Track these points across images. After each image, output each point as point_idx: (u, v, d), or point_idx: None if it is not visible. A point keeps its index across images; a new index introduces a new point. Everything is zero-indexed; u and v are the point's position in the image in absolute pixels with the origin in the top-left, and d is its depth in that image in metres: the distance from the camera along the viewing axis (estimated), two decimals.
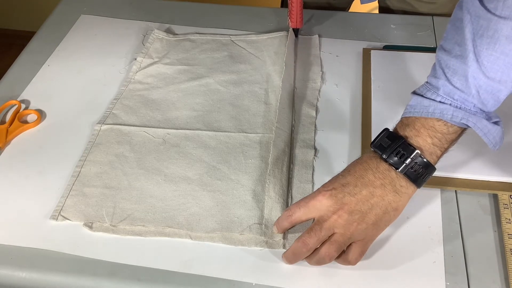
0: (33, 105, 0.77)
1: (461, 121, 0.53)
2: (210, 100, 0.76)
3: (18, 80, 0.81)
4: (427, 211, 0.61)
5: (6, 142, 0.71)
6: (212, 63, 0.83)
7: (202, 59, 0.84)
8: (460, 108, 0.54)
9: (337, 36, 0.88)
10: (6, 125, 0.72)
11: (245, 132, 0.71)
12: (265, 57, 0.83)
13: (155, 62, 0.83)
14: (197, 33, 0.89)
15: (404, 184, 0.54)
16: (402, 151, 0.53)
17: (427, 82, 0.57)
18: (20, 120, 0.74)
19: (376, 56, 0.82)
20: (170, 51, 0.85)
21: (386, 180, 0.54)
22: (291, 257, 0.56)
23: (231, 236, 0.59)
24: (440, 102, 0.54)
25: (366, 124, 0.72)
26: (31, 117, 0.75)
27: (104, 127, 0.72)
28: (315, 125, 0.73)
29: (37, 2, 1.99)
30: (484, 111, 0.55)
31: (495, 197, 0.63)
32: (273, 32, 0.88)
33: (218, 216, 0.61)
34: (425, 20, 0.91)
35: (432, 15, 0.92)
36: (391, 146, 0.54)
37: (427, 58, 0.82)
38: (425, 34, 0.88)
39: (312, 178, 0.66)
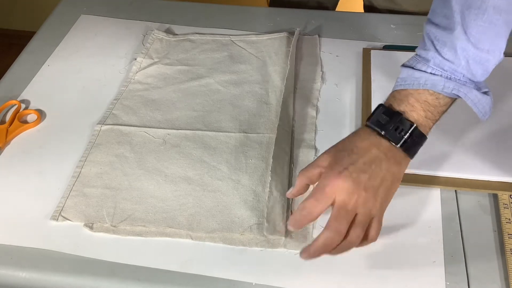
0: (33, 105, 0.77)
1: (452, 92, 0.55)
2: (210, 100, 0.76)
3: (18, 80, 0.81)
4: (427, 211, 0.62)
5: (6, 142, 0.71)
6: (212, 63, 0.83)
7: (202, 59, 0.84)
8: (450, 79, 0.55)
9: (337, 36, 0.88)
10: (6, 125, 0.72)
11: (246, 132, 0.71)
12: (265, 58, 0.83)
13: (155, 63, 0.83)
14: (197, 33, 0.89)
15: (403, 155, 0.56)
16: (400, 127, 0.55)
17: (416, 54, 0.58)
18: (20, 120, 0.74)
19: (376, 56, 0.82)
20: (170, 52, 0.85)
21: (389, 154, 0.55)
22: (321, 249, 0.52)
23: (232, 236, 0.59)
24: (431, 73, 0.56)
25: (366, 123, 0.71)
26: (31, 117, 0.75)
27: (104, 127, 0.72)
28: (316, 125, 0.73)
29: (37, 2, 1.99)
30: (473, 82, 0.56)
31: (495, 197, 0.63)
32: (273, 32, 0.88)
33: (219, 216, 0.61)
34: (425, 20, 0.91)
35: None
36: (390, 123, 0.55)
37: None
38: None
39: None
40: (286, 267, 0.57)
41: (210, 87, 0.78)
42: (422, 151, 0.66)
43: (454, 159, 0.66)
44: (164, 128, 0.72)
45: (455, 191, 0.64)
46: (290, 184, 0.65)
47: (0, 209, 0.63)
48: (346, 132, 0.71)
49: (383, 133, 0.55)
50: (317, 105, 0.76)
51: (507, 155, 0.66)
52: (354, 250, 0.57)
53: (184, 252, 0.58)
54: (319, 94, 0.78)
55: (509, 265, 0.55)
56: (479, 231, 0.60)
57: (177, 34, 0.89)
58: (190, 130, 0.71)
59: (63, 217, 0.61)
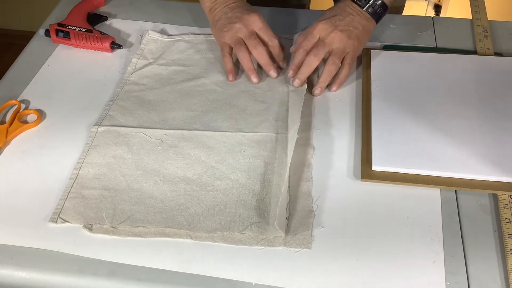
0: (33, 105, 0.77)
1: None
2: (206, 100, 0.76)
3: (18, 80, 0.81)
4: (427, 211, 0.61)
5: (6, 142, 0.71)
6: (208, 63, 0.83)
7: (197, 60, 0.84)
8: None
9: None
10: (6, 125, 0.72)
11: (243, 132, 0.71)
12: None
13: (150, 63, 0.83)
14: (191, 33, 0.89)
15: (369, 16, 0.78)
16: None
17: None
18: (20, 120, 0.74)
19: (376, 56, 0.82)
20: (165, 52, 0.85)
21: (359, 12, 0.77)
22: (305, 69, 0.75)
23: (232, 236, 0.59)
24: None
25: (366, 124, 0.72)
26: (31, 117, 0.75)
27: (101, 128, 0.72)
28: (313, 123, 0.72)
29: (37, 2, 1.99)
30: None
31: (495, 197, 0.63)
32: None
33: (218, 215, 0.61)
34: (425, 20, 0.91)
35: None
36: None
37: (427, 58, 0.82)
38: (425, 34, 0.88)
39: (311, 175, 0.66)
40: (286, 267, 0.57)
41: (206, 87, 0.78)
42: (422, 151, 0.67)
43: (454, 159, 0.66)
44: (161, 129, 0.72)
45: (455, 191, 0.64)
46: (289, 184, 0.65)
47: (0, 209, 0.63)
48: (346, 132, 0.72)
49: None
50: (314, 104, 0.76)
51: (507, 155, 0.66)
52: (354, 250, 0.58)
53: (184, 252, 0.58)
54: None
55: (509, 265, 0.55)
56: (479, 231, 0.60)
57: (171, 35, 0.89)
58: (187, 130, 0.71)
59: (62, 219, 0.61)
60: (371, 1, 0.77)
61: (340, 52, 0.75)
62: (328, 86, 0.77)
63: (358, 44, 0.77)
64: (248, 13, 0.80)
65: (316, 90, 0.75)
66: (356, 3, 0.78)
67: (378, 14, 0.78)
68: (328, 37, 0.75)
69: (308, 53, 0.76)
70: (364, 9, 0.77)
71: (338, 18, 0.76)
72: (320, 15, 0.79)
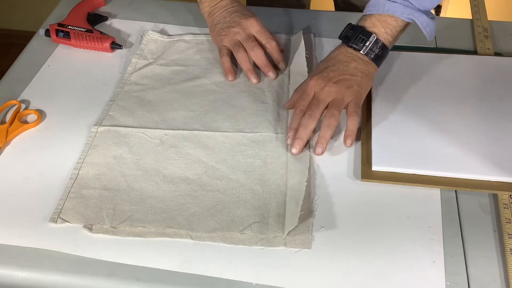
0: (33, 105, 0.77)
1: (408, 16, 0.70)
2: (206, 100, 0.76)
3: (18, 80, 0.81)
4: (427, 211, 0.61)
5: (6, 142, 0.71)
6: (208, 63, 0.83)
7: (197, 60, 0.84)
8: (407, 6, 0.69)
9: (337, 36, 0.88)
10: (6, 125, 0.72)
11: (243, 132, 0.71)
12: None
13: (150, 63, 0.83)
14: (191, 33, 0.89)
15: (368, 60, 0.71)
16: (362, 37, 0.71)
17: None
18: (20, 120, 0.74)
19: None
20: (165, 52, 0.85)
21: (355, 57, 0.71)
22: (302, 132, 0.66)
23: (232, 236, 0.59)
24: (392, 1, 0.70)
25: (366, 124, 0.72)
26: (31, 117, 0.75)
27: (101, 128, 0.72)
28: None
29: (37, 2, 1.99)
30: (423, 10, 0.70)
31: (495, 197, 0.63)
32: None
33: (218, 215, 0.61)
34: None
35: None
36: (354, 35, 0.71)
37: (427, 58, 0.82)
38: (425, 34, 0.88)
39: (311, 175, 0.66)
40: (286, 267, 0.57)
41: (206, 87, 0.78)
42: (423, 151, 0.67)
43: (454, 159, 0.66)
44: (161, 129, 0.72)
45: (455, 191, 0.64)
46: (287, 185, 0.65)
47: (0, 209, 0.63)
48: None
49: (350, 43, 0.71)
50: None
51: (507, 155, 0.66)
52: (354, 250, 0.58)
53: (184, 252, 0.58)
54: None
55: (509, 265, 0.55)
56: (479, 231, 0.60)
57: (171, 35, 0.89)
58: (187, 130, 0.71)
59: (62, 219, 0.61)
60: (369, 44, 0.70)
61: (338, 104, 0.68)
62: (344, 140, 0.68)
63: (359, 91, 0.69)
64: (245, 17, 0.80)
65: (318, 148, 0.66)
66: (351, 47, 0.72)
67: (378, 57, 0.71)
68: (322, 92, 0.68)
69: (304, 113, 0.68)
70: (361, 52, 0.71)
71: (331, 70, 0.70)
72: (313, 69, 0.74)
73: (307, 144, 0.69)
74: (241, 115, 0.74)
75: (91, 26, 0.87)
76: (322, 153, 0.67)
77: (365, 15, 0.72)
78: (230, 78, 0.79)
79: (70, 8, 0.90)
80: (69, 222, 0.61)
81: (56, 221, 0.61)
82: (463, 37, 0.88)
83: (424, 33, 0.72)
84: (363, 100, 0.71)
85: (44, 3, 1.85)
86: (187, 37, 0.88)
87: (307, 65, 0.80)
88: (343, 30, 0.73)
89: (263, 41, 0.80)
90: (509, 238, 0.58)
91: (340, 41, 0.74)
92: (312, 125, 0.67)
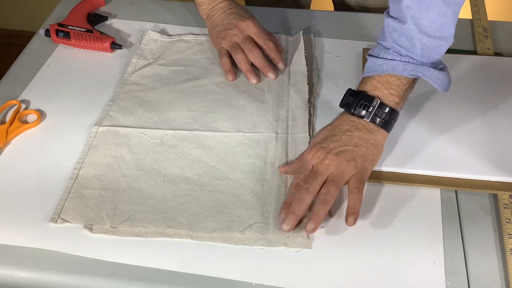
0: (33, 105, 0.77)
1: (411, 73, 0.63)
2: (206, 100, 0.76)
3: (18, 80, 0.81)
4: (427, 211, 0.61)
5: (6, 142, 0.71)
6: (208, 63, 0.83)
7: (197, 60, 0.84)
8: (408, 62, 0.63)
9: (337, 36, 0.88)
10: (6, 125, 0.72)
11: (243, 132, 0.71)
12: None
13: (150, 63, 0.83)
14: (191, 33, 0.89)
15: (374, 127, 0.64)
16: (364, 102, 0.64)
17: (378, 43, 0.67)
18: (20, 120, 0.74)
19: None
20: (165, 52, 0.85)
21: (359, 126, 0.64)
22: (296, 206, 0.59)
23: (232, 236, 0.59)
24: (391, 59, 0.64)
25: None
26: (31, 117, 0.75)
27: (101, 129, 0.72)
28: (313, 124, 0.73)
29: (37, 2, 1.99)
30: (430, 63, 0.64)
31: (495, 197, 0.63)
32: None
33: (219, 215, 0.61)
34: None
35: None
36: (355, 101, 0.64)
37: None
38: None
39: None
40: (287, 267, 0.57)
41: (206, 88, 0.78)
42: (423, 151, 0.66)
43: (454, 159, 0.66)
44: (161, 129, 0.72)
45: (455, 191, 0.64)
46: (288, 186, 0.65)
47: (0, 209, 0.63)
48: None
49: (352, 110, 0.64)
50: (314, 103, 0.76)
51: (507, 155, 0.66)
52: (354, 250, 0.58)
53: (184, 252, 0.58)
54: (315, 92, 0.78)
55: (509, 265, 0.55)
56: (479, 231, 0.60)
57: (171, 35, 0.89)
58: (188, 130, 0.71)
59: (62, 219, 0.61)
60: (373, 109, 0.63)
61: (337, 179, 0.60)
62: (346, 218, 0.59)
63: (362, 164, 0.62)
64: (242, 19, 0.80)
65: (309, 225, 0.58)
66: (354, 115, 0.64)
67: (385, 122, 0.63)
68: (321, 165, 0.61)
69: (301, 188, 0.61)
70: (365, 120, 0.64)
71: (331, 140, 0.63)
72: (313, 137, 0.67)
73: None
74: (241, 115, 0.74)
75: (91, 26, 0.87)
76: (314, 231, 0.58)
77: (364, 78, 0.66)
78: (230, 78, 0.79)
79: (70, 8, 0.90)
80: (69, 222, 0.61)
81: (56, 221, 0.61)
82: (463, 37, 0.88)
83: (435, 87, 0.64)
84: (368, 174, 0.63)
85: (44, 3, 1.85)
86: (187, 37, 0.88)
87: (306, 64, 0.80)
88: (343, 97, 0.66)
89: (261, 43, 0.80)
90: (509, 238, 0.58)
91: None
92: (308, 199, 0.59)
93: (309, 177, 0.61)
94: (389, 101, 0.64)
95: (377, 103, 0.63)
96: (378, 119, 0.63)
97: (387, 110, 0.63)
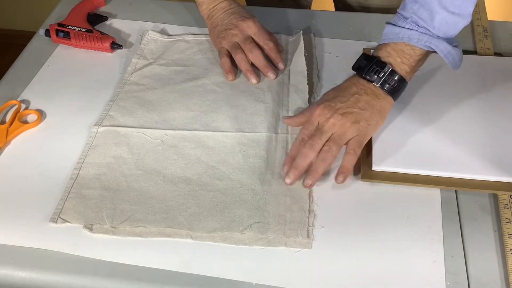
0: (33, 105, 0.77)
1: (425, 44, 0.65)
2: (206, 100, 0.76)
3: (18, 80, 0.81)
4: (427, 211, 0.61)
5: (6, 142, 0.71)
6: (208, 63, 0.83)
7: (198, 60, 0.84)
8: (425, 33, 0.65)
9: (337, 36, 0.88)
10: (6, 125, 0.72)
11: (243, 132, 0.71)
12: None
13: (150, 63, 0.83)
14: (191, 33, 0.89)
15: (382, 93, 0.66)
16: (376, 67, 0.66)
17: (398, 12, 0.68)
18: (20, 120, 0.74)
19: None
20: (165, 52, 0.85)
21: (368, 90, 0.66)
22: (299, 161, 0.63)
23: (232, 236, 0.59)
24: (408, 29, 0.65)
25: None
26: (31, 117, 0.75)
27: (101, 129, 0.72)
28: None
29: (37, 2, 1.99)
30: (445, 37, 0.65)
31: (495, 197, 0.63)
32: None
33: (219, 215, 0.61)
34: None
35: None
36: (367, 65, 0.67)
37: (427, 58, 0.81)
38: None
39: None
40: (287, 267, 0.57)
41: (206, 88, 0.78)
42: (422, 151, 0.66)
43: (454, 159, 0.66)
44: (161, 129, 0.72)
45: (455, 191, 0.64)
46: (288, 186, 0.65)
47: (0, 209, 0.63)
48: None
49: (363, 74, 0.67)
50: (312, 102, 0.76)
51: (507, 155, 0.66)
52: (354, 250, 0.58)
53: (184, 252, 0.58)
54: (315, 92, 0.78)
55: (509, 265, 0.55)
56: (479, 231, 0.60)
57: (171, 35, 0.89)
58: (188, 130, 0.71)
59: (62, 219, 0.61)
60: (385, 76, 0.65)
61: (339, 138, 0.64)
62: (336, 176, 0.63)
63: (365, 127, 0.65)
64: (243, 19, 0.80)
65: (307, 180, 0.62)
66: (364, 78, 0.67)
67: (394, 89, 0.66)
68: (326, 123, 0.64)
69: (306, 144, 0.64)
70: (374, 84, 0.66)
71: (340, 100, 0.66)
72: (322, 95, 0.70)
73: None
74: (241, 115, 0.74)
75: (91, 26, 0.87)
76: (312, 186, 0.62)
77: (380, 44, 0.68)
78: (230, 78, 0.79)
79: (70, 8, 0.90)
80: (69, 222, 0.61)
81: (57, 221, 0.61)
82: (463, 37, 0.88)
83: (446, 62, 0.66)
84: (368, 138, 0.66)
85: (44, 3, 1.85)
86: (187, 37, 0.88)
87: (306, 64, 0.80)
88: (357, 60, 0.69)
89: (261, 43, 0.80)
90: (509, 238, 0.58)
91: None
92: (311, 156, 0.63)
93: (314, 134, 0.64)
94: (400, 70, 0.66)
95: (388, 69, 0.65)
96: (387, 86, 0.66)
97: (396, 77, 0.65)
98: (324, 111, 0.65)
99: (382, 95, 0.66)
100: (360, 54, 0.69)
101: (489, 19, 0.91)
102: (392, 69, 0.65)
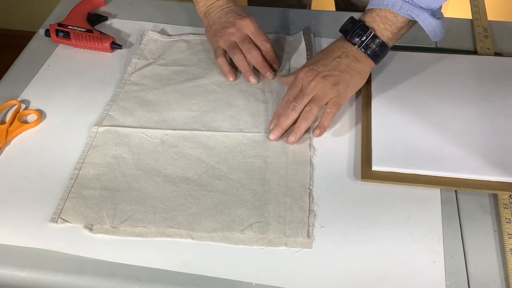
0: (33, 105, 0.77)
1: (407, 12, 0.68)
2: (206, 100, 0.76)
3: (18, 80, 0.81)
4: (427, 211, 0.62)
5: (6, 142, 0.71)
6: (208, 63, 0.83)
7: (197, 60, 0.84)
8: (407, 2, 0.68)
9: (337, 36, 0.88)
10: (6, 125, 0.72)
11: (243, 132, 0.71)
12: None
13: (150, 63, 0.83)
14: (191, 33, 0.89)
15: (362, 56, 0.71)
16: (359, 31, 0.71)
17: None
18: (20, 120, 0.74)
19: None
20: (165, 52, 0.85)
21: (349, 53, 0.71)
22: (283, 120, 0.69)
23: (232, 236, 0.59)
24: None
25: (366, 124, 0.72)
26: (31, 117, 0.75)
27: (101, 129, 0.72)
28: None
29: (37, 2, 1.99)
30: (428, 8, 0.68)
31: (495, 197, 0.63)
32: (271, 33, 0.87)
33: (219, 215, 0.61)
34: None
35: None
36: (352, 28, 0.71)
37: (427, 58, 0.82)
38: (425, 34, 0.88)
39: (311, 176, 0.66)
40: (287, 267, 0.57)
41: (206, 88, 0.78)
42: (422, 151, 0.67)
43: (454, 159, 0.66)
44: (161, 129, 0.72)
45: (455, 191, 0.64)
46: (288, 185, 0.65)
47: (0, 209, 0.63)
48: (346, 132, 0.72)
49: (347, 37, 0.71)
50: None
51: (507, 155, 0.66)
52: (354, 250, 0.58)
53: (184, 252, 0.58)
54: None
55: (509, 265, 0.56)
56: (479, 231, 0.60)
57: (171, 35, 0.89)
58: (188, 130, 0.71)
59: (62, 219, 0.61)
60: (366, 39, 0.70)
61: (320, 99, 0.69)
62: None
63: (344, 89, 0.70)
64: (241, 18, 0.80)
65: (290, 137, 0.69)
66: (349, 41, 0.71)
67: (375, 53, 0.71)
68: (309, 86, 0.70)
69: (288, 105, 0.70)
70: (356, 47, 0.71)
71: (322, 63, 0.71)
72: (308, 60, 0.76)
73: (310, 147, 0.69)
74: (242, 115, 0.74)
75: (91, 26, 0.87)
76: (294, 142, 0.69)
77: (368, 10, 0.72)
78: (231, 79, 0.79)
79: (70, 8, 0.90)
80: (70, 222, 0.61)
81: (57, 221, 0.61)
82: (463, 37, 0.88)
83: (427, 32, 0.70)
84: (347, 99, 0.72)
85: (44, 3, 1.85)
86: (187, 37, 0.88)
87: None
88: (344, 23, 0.73)
89: (258, 43, 0.80)
90: (509, 238, 0.58)
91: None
92: (293, 116, 0.69)
93: (297, 96, 0.70)
94: (381, 35, 0.70)
95: (370, 34, 0.70)
96: (369, 49, 0.70)
97: (377, 42, 0.70)
98: (307, 74, 0.71)
99: (363, 58, 0.71)
100: (348, 18, 0.73)
101: (489, 19, 0.91)
102: (374, 34, 0.70)
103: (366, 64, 0.71)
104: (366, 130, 0.71)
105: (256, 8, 0.98)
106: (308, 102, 0.70)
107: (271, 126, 0.70)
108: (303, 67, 0.73)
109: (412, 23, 0.71)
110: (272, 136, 0.69)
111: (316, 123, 0.70)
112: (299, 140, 0.69)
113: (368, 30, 0.70)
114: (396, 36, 0.71)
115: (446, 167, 0.65)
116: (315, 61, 0.72)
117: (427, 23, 0.69)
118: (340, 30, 0.73)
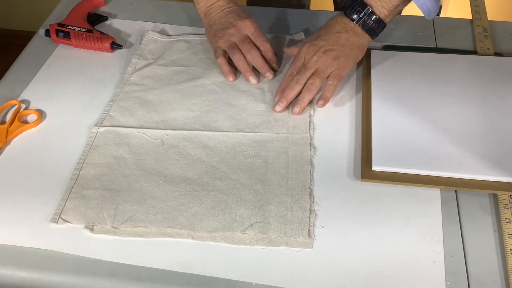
0: (33, 105, 0.77)
1: None
2: (206, 100, 0.76)
3: (18, 80, 0.81)
4: (427, 211, 0.62)
5: (6, 142, 0.71)
6: (208, 63, 0.83)
7: (198, 60, 0.84)
8: None
9: None
10: (6, 125, 0.72)
11: (243, 132, 0.71)
12: None
13: (150, 64, 0.83)
14: (191, 33, 0.89)
15: (361, 31, 0.75)
16: (358, 8, 0.74)
17: None
18: (20, 120, 0.74)
19: (376, 56, 0.82)
20: (165, 52, 0.85)
21: (348, 28, 0.75)
22: (288, 93, 0.73)
23: (233, 236, 0.59)
24: None
25: (366, 124, 0.72)
26: (31, 117, 0.75)
27: (102, 129, 0.72)
28: (314, 123, 0.73)
29: (37, 2, 1.99)
30: None
31: (495, 197, 0.63)
32: (269, 33, 0.87)
33: (220, 215, 0.61)
34: (425, 20, 0.91)
35: None
36: (351, 5, 0.75)
37: (427, 58, 0.82)
38: (425, 34, 0.88)
39: (311, 175, 0.66)
40: (287, 267, 0.57)
41: (206, 88, 0.78)
42: (422, 151, 0.67)
43: (454, 159, 0.66)
44: (162, 129, 0.72)
45: (455, 191, 0.64)
46: (288, 185, 0.65)
47: (0, 209, 0.63)
48: (346, 132, 0.72)
49: (346, 13, 0.75)
50: (313, 103, 0.76)
51: (507, 155, 0.66)
52: (355, 250, 0.58)
53: (185, 252, 0.58)
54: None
55: (509, 265, 0.56)
56: (479, 231, 0.60)
57: (171, 35, 0.89)
58: (188, 130, 0.71)
59: (63, 219, 0.61)
60: (363, 16, 0.74)
61: (321, 72, 0.73)
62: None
63: (344, 62, 0.74)
64: (240, 18, 0.80)
65: (295, 108, 0.73)
66: (348, 17, 0.75)
67: (371, 29, 0.75)
68: (311, 60, 0.74)
69: (292, 78, 0.75)
70: (354, 23, 0.75)
71: (323, 38, 0.75)
72: (310, 35, 0.78)
73: (310, 144, 0.69)
74: (242, 115, 0.74)
75: (91, 26, 0.87)
76: (299, 112, 0.73)
77: None
78: (231, 79, 0.79)
79: (70, 8, 0.90)
80: (70, 223, 0.61)
81: (57, 222, 0.61)
82: (463, 37, 0.88)
83: (421, 11, 0.73)
84: (347, 71, 0.76)
85: (44, 3, 1.85)
86: (187, 37, 0.88)
87: None
88: (344, 0, 0.76)
89: (257, 43, 0.80)
90: (509, 238, 0.58)
91: None
92: (297, 89, 0.73)
93: (300, 70, 0.74)
94: (378, 12, 0.74)
95: (368, 11, 0.73)
96: (366, 25, 0.74)
97: (374, 18, 0.73)
98: (309, 49, 0.75)
99: (360, 33, 0.75)
100: None
101: (489, 19, 0.91)
102: (371, 10, 0.73)
103: (364, 39, 0.76)
104: (366, 130, 0.71)
105: (255, 8, 0.98)
106: (311, 75, 0.73)
107: (276, 99, 0.75)
108: (305, 42, 0.76)
109: (408, 0, 0.74)
110: (277, 108, 0.73)
111: (319, 95, 0.74)
112: (303, 111, 0.73)
113: (366, 7, 0.73)
114: (392, 13, 0.75)
115: (446, 167, 0.65)
116: (316, 36, 0.76)
117: (422, 3, 0.72)
118: (340, 7, 0.78)
